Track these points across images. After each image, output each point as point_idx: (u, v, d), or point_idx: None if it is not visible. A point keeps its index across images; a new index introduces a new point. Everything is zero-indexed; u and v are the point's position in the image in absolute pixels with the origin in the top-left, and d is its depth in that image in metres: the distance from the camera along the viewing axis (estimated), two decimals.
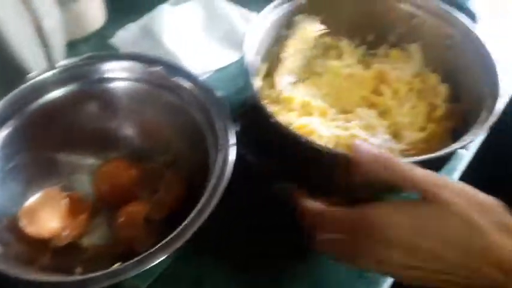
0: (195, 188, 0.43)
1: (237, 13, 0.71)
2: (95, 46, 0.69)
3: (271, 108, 0.52)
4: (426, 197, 0.35)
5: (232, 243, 0.49)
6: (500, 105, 0.45)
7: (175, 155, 0.51)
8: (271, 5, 0.55)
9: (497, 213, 0.34)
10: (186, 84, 0.46)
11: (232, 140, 0.42)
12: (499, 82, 0.47)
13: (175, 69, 0.47)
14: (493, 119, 0.45)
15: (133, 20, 0.71)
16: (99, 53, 0.47)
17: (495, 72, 0.48)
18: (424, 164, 0.38)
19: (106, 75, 0.47)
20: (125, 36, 0.69)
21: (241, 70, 0.66)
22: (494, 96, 0.47)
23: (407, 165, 0.36)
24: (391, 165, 0.37)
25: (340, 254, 0.38)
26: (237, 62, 0.68)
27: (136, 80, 0.47)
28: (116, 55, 0.48)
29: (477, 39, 0.52)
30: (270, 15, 0.55)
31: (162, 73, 0.46)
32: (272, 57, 0.58)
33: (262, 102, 0.45)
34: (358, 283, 0.47)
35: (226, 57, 0.67)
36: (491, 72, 0.49)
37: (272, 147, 0.51)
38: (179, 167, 0.50)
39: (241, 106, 0.60)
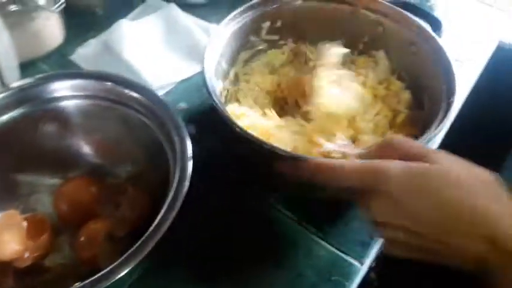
0: (158, 201, 0.44)
1: (196, 25, 0.71)
2: (55, 64, 0.69)
3: (232, 112, 0.53)
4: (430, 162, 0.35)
5: (199, 252, 0.50)
6: (455, 109, 0.47)
7: (136, 169, 0.51)
8: (232, 14, 0.57)
9: (493, 185, 0.34)
10: (141, 98, 0.46)
11: (189, 152, 0.43)
12: (455, 87, 0.49)
13: (129, 84, 0.47)
14: (446, 123, 0.46)
15: (93, 36, 0.71)
16: (51, 73, 0.47)
17: (453, 78, 0.50)
18: None
19: (59, 94, 0.47)
20: (86, 53, 0.69)
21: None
22: (449, 101, 0.48)
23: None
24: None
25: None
26: (200, 72, 0.68)
27: (90, 97, 0.47)
28: (67, 74, 0.48)
29: (438, 45, 0.54)
30: (232, 23, 0.57)
31: (116, 89, 0.46)
32: (240, 62, 0.60)
33: (222, 110, 0.46)
34: (327, 286, 0.48)
35: (189, 69, 0.68)
36: (448, 77, 0.51)
37: (235, 154, 0.52)
38: (141, 181, 0.50)
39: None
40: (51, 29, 0.67)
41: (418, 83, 0.57)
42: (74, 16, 0.72)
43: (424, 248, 0.35)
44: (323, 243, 0.51)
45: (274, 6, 0.60)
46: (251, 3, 0.58)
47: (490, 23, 0.79)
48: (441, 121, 0.47)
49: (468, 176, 0.34)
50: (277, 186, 0.54)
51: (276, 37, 0.63)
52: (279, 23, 0.61)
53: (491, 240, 0.32)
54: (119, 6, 0.76)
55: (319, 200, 0.53)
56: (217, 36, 0.55)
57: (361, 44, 0.62)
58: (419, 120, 0.54)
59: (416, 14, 0.57)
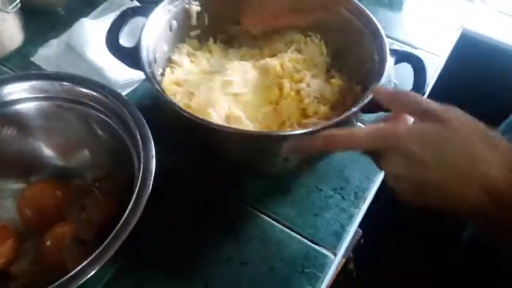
0: (124, 201, 0.43)
1: None
2: (16, 65, 0.67)
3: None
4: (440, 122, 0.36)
5: (168, 250, 0.49)
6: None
7: (101, 170, 0.50)
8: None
9: (504, 151, 0.36)
10: (102, 97, 0.45)
11: (152, 151, 0.42)
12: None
13: (88, 83, 0.46)
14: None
15: (54, 36, 0.69)
16: (7, 75, 0.46)
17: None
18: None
19: (17, 97, 0.46)
20: (47, 53, 0.67)
21: None
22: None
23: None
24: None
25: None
26: None
27: (50, 98, 0.46)
28: (24, 75, 0.47)
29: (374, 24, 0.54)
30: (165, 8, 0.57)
31: (75, 89, 0.45)
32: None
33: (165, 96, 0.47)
34: (300, 279, 0.48)
35: None
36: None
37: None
38: (106, 182, 0.49)
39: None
40: (9, 30, 0.65)
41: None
42: (34, 16, 0.70)
43: (429, 187, 0.36)
44: (294, 235, 0.51)
45: None
46: None
47: (453, 10, 0.80)
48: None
49: (477, 139, 0.36)
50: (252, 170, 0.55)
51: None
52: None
53: (488, 189, 0.34)
54: (80, 5, 0.74)
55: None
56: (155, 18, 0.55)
57: None
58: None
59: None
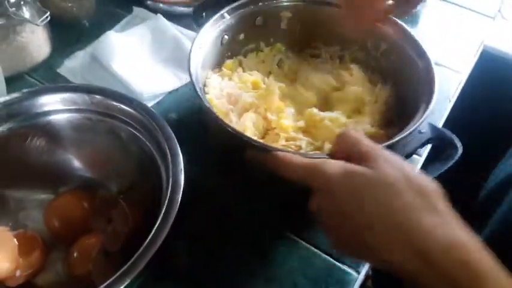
0: (151, 214, 0.43)
1: (183, 35, 0.71)
2: (42, 76, 0.68)
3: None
4: (370, 166, 0.36)
5: (193, 265, 0.49)
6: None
7: (128, 182, 0.50)
8: (211, 20, 0.58)
9: (430, 195, 0.34)
10: (131, 110, 0.46)
11: (180, 164, 0.42)
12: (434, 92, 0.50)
13: (118, 96, 0.46)
14: (427, 114, 0.47)
15: (80, 48, 0.71)
16: (39, 87, 0.47)
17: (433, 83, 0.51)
18: None
19: (48, 108, 0.46)
20: (73, 65, 0.69)
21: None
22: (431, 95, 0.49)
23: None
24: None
25: None
26: (188, 83, 0.68)
27: (80, 110, 0.47)
28: (56, 87, 0.48)
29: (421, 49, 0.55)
30: (212, 28, 0.58)
31: (105, 101, 0.46)
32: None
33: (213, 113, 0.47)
34: None
35: (177, 79, 0.68)
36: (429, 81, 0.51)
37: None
38: (133, 194, 0.49)
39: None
40: (37, 42, 0.66)
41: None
42: (60, 28, 0.71)
43: (358, 243, 0.35)
44: (318, 252, 0.51)
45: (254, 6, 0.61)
46: (231, 6, 0.59)
47: (473, 26, 0.80)
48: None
49: (405, 185, 0.34)
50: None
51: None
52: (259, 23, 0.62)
53: (423, 255, 0.32)
54: (105, 18, 0.76)
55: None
56: (202, 36, 0.56)
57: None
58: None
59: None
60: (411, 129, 0.46)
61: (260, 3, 0.61)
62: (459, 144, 0.48)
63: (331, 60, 0.64)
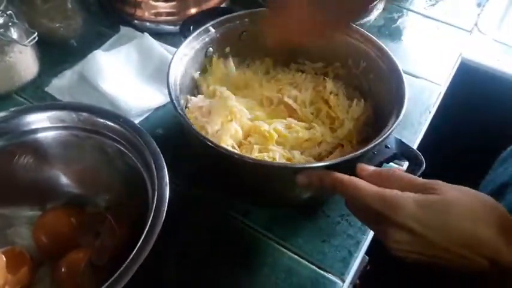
0: (138, 228, 0.44)
1: (170, 53, 0.73)
2: (31, 95, 0.69)
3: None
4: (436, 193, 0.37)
5: (179, 275, 0.50)
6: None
7: (115, 197, 0.51)
8: (196, 32, 0.59)
9: (498, 213, 0.37)
10: (117, 127, 0.47)
11: (165, 178, 0.43)
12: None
13: (104, 113, 0.48)
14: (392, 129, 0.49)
15: (67, 67, 0.72)
16: (26, 106, 0.48)
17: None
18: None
19: (36, 126, 0.47)
20: (61, 84, 0.70)
21: None
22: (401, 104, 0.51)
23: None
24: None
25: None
26: None
27: (67, 128, 0.48)
28: (43, 106, 0.49)
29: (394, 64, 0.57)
30: (196, 41, 0.60)
31: (92, 118, 0.47)
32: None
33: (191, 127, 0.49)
34: None
35: (164, 96, 0.69)
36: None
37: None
38: (121, 209, 0.50)
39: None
40: (25, 61, 0.67)
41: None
42: (48, 48, 0.73)
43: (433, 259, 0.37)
44: (302, 261, 0.52)
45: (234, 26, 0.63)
46: (212, 23, 0.61)
47: (452, 40, 0.83)
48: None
49: (476, 205, 0.37)
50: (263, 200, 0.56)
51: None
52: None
53: (493, 260, 0.35)
54: (93, 37, 0.77)
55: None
56: (180, 55, 0.57)
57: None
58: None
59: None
60: (374, 144, 0.47)
61: (246, 19, 0.63)
62: (423, 160, 0.50)
63: (315, 75, 0.65)
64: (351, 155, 0.46)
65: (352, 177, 0.41)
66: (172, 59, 0.55)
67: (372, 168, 0.43)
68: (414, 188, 0.38)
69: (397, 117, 0.49)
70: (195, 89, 0.62)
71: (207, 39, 0.61)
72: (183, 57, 0.57)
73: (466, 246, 0.36)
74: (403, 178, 0.40)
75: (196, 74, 0.61)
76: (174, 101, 0.51)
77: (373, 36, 0.58)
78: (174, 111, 0.51)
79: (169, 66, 0.55)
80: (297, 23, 0.52)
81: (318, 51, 0.65)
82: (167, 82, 0.53)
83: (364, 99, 0.60)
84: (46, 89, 0.70)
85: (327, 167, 0.44)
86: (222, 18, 0.61)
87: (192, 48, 0.59)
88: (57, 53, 0.74)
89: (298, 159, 0.53)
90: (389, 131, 0.48)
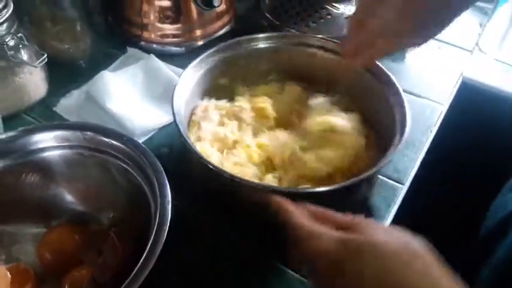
0: (140, 245, 0.45)
1: (176, 74, 0.74)
2: (39, 115, 0.71)
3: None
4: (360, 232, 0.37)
5: None
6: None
7: (119, 215, 0.52)
8: (198, 58, 0.61)
9: (423, 257, 0.35)
10: (121, 145, 0.48)
11: (168, 197, 0.44)
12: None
13: (109, 132, 0.49)
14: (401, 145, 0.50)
15: (75, 88, 0.73)
16: (33, 126, 0.49)
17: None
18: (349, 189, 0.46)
19: (42, 146, 0.49)
20: (69, 103, 0.71)
21: None
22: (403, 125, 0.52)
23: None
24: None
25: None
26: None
27: (72, 147, 0.49)
28: (49, 125, 0.51)
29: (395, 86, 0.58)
30: (200, 66, 0.62)
31: (96, 138, 0.48)
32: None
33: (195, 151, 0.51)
34: None
35: (169, 116, 0.69)
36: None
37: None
38: (124, 227, 0.51)
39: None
40: (34, 82, 0.69)
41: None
42: (57, 68, 0.74)
43: None
44: (304, 280, 0.52)
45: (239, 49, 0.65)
46: (218, 47, 0.63)
47: (453, 60, 0.84)
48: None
49: (399, 248, 0.35)
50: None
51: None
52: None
53: None
54: (100, 58, 0.79)
55: None
56: (186, 79, 0.59)
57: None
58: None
59: None
60: (338, 186, 0.48)
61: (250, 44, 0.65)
62: None
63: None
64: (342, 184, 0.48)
65: (294, 210, 0.42)
66: (177, 83, 0.57)
67: (311, 207, 0.43)
68: (340, 226, 0.39)
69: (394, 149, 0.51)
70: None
71: (212, 63, 0.62)
72: (188, 81, 0.59)
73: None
74: (334, 218, 0.41)
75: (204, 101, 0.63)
76: (179, 125, 0.53)
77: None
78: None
79: (173, 90, 0.56)
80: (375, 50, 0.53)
81: (318, 77, 0.66)
82: (172, 106, 0.54)
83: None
84: (54, 109, 0.71)
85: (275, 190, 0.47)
86: (227, 42, 0.63)
87: (197, 72, 0.61)
88: (65, 74, 0.76)
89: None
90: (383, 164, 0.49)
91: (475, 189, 0.65)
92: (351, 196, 0.54)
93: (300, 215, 0.41)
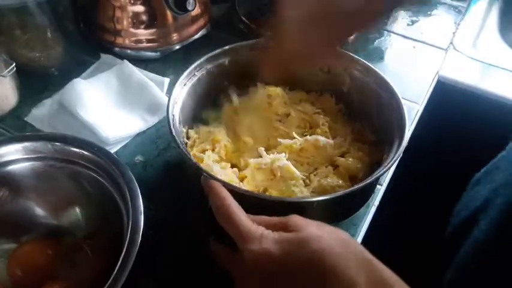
0: (114, 256, 0.44)
1: (150, 80, 0.74)
2: (10, 126, 0.69)
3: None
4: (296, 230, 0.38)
5: None
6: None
7: (92, 227, 0.51)
8: (194, 64, 0.60)
9: (355, 250, 0.37)
10: (92, 156, 0.47)
11: (140, 207, 0.43)
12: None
13: (79, 142, 0.48)
14: (399, 154, 0.51)
15: (47, 97, 0.72)
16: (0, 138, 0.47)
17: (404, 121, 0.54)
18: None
19: (10, 158, 0.48)
20: (40, 113, 0.70)
21: (161, 133, 0.69)
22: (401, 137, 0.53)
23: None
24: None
25: None
26: (154, 125, 0.70)
27: (42, 158, 0.48)
28: (16, 137, 0.49)
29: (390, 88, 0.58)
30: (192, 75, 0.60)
31: (66, 148, 0.47)
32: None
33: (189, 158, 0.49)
34: None
35: (144, 122, 0.69)
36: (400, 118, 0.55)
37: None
38: (98, 239, 0.50)
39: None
40: (4, 92, 0.67)
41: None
42: (28, 77, 0.72)
43: None
44: None
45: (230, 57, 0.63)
46: (209, 55, 0.62)
47: (429, 59, 0.84)
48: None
49: (331, 239, 0.37)
50: None
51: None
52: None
53: None
54: (73, 66, 0.77)
55: None
56: (179, 88, 0.58)
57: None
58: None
59: None
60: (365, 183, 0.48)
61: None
62: None
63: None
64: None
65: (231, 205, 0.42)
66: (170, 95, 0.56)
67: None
68: (274, 227, 0.39)
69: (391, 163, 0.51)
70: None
71: (203, 72, 0.61)
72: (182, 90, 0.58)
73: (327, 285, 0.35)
74: (267, 221, 0.41)
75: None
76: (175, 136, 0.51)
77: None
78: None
79: (168, 101, 0.55)
80: (291, 51, 0.53)
81: (312, 80, 0.65)
82: (167, 116, 0.53)
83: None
84: (25, 119, 0.69)
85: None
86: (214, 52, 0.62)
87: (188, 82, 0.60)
88: (37, 82, 0.74)
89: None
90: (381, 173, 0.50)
91: (452, 186, 0.65)
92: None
93: (237, 209, 0.41)
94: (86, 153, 0.48)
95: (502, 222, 0.53)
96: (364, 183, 0.48)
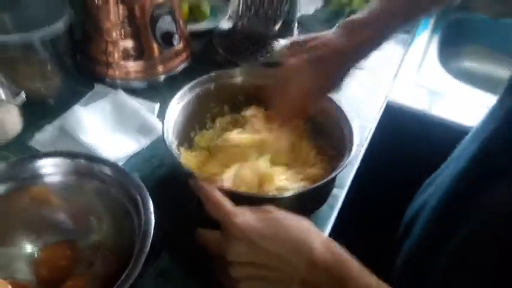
0: (127, 258, 0.52)
1: (142, 106, 0.83)
2: (15, 150, 0.76)
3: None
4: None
5: None
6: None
7: (108, 231, 0.59)
8: (185, 88, 0.71)
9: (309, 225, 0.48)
10: (107, 170, 0.57)
11: (151, 214, 0.52)
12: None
13: (95, 159, 0.57)
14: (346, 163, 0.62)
15: (47, 123, 0.80)
16: (34, 154, 0.58)
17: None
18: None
19: (40, 172, 0.57)
20: (43, 138, 0.78)
21: (153, 153, 0.78)
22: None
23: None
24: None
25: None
26: (147, 146, 0.79)
27: (64, 173, 0.57)
28: (44, 154, 0.59)
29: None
30: (185, 96, 0.71)
31: (84, 164, 0.57)
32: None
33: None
34: None
35: (138, 143, 0.78)
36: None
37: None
38: (113, 242, 0.58)
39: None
40: (11, 119, 0.75)
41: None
42: (29, 106, 0.79)
43: (262, 271, 0.46)
44: None
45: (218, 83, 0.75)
46: (197, 80, 0.73)
47: (380, 84, 0.98)
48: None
49: (297, 219, 0.49)
50: None
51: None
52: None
53: (311, 264, 0.44)
54: (69, 95, 0.85)
55: None
56: (172, 109, 0.69)
57: None
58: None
59: None
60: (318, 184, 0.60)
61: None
62: None
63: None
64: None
65: (216, 194, 0.52)
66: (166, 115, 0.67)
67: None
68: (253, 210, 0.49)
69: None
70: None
71: (193, 95, 0.72)
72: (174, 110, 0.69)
73: (294, 252, 0.45)
74: (248, 208, 0.50)
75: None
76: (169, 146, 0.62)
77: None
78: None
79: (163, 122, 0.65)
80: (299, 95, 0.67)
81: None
82: (163, 134, 0.64)
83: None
84: (29, 143, 0.77)
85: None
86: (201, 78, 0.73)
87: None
88: (37, 111, 0.81)
89: None
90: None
91: (401, 192, 0.78)
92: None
93: (222, 198, 0.51)
94: (101, 168, 0.57)
95: (433, 230, 0.63)
96: (317, 184, 0.61)
